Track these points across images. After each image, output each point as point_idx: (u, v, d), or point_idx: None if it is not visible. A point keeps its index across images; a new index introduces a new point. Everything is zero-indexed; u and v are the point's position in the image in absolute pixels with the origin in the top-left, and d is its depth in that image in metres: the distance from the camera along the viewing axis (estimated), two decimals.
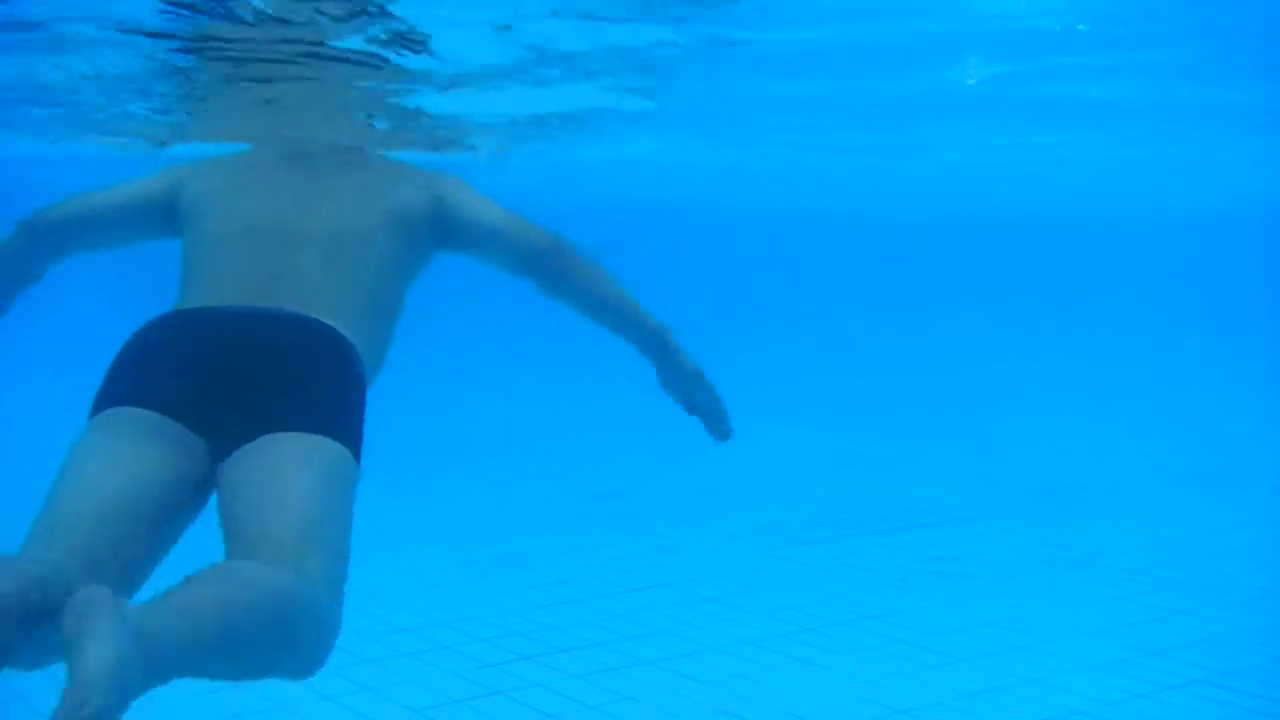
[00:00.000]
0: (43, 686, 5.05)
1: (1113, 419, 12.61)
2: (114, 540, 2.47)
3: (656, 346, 3.36)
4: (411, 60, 5.75)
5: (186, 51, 5.50)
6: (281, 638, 2.43)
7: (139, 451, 2.59)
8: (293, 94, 6.05)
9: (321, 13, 4.75)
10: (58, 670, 5.27)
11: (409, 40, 5.41)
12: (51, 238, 3.33)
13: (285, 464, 2.61)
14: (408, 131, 7.26)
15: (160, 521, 2.59)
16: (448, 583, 6.56)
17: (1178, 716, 4.76)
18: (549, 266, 3.30)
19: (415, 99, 6.62)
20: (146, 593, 2.33)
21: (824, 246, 32.10)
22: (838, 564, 6.97)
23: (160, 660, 2.22)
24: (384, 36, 5.30)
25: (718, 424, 3.53)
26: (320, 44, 5.26)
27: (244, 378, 2.70)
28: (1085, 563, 6.96)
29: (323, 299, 2.92)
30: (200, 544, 2.73)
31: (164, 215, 3.23)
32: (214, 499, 2.71)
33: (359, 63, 5.66)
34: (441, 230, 3.24)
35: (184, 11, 4.83)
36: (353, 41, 5.32)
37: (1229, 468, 9.86)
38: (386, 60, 5.71)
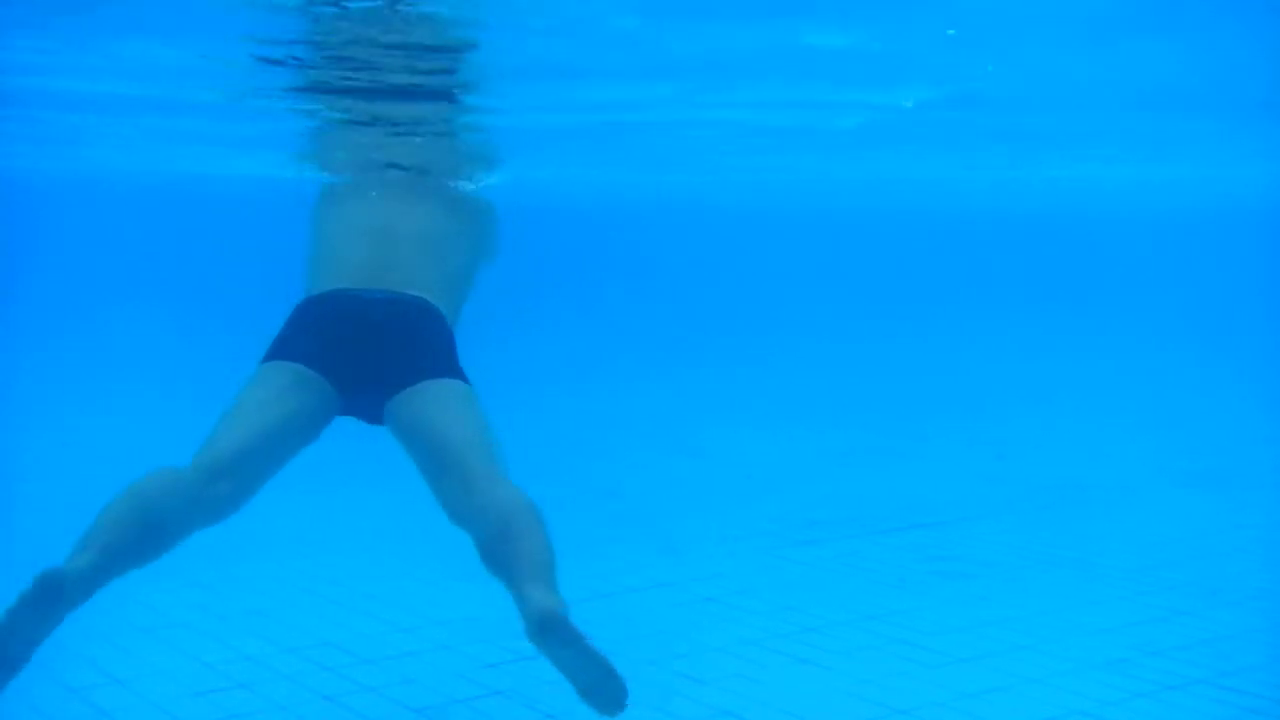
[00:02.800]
0: (44, 687, 5.06)
1: (1113, 419, 12.61)
2: (255, 452, 3.70)
3: None
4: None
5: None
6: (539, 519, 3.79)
7: (284, 393, 3.84)
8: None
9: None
10: (58, 673, 5.28)
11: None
12: None
13: (455, 404, 3.96)
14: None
15: (288, 441, 3.81)
16: (448, 583, 6.55)
17: (1178, 716, 4.76)
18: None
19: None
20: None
21: (825, 245, 32.09)
22: (838, 564, 6.96)
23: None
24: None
25: None
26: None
27: (371, 343, 3.95)
28: (1085, 563, 6.96)
29: (420, 282, 4.18)
30: None
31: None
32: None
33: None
34: (486, 240, 4.72)
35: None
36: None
37: (1229, 468, 9.86)
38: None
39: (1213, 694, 4.96)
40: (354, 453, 10.15)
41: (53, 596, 3.18)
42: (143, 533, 3.47)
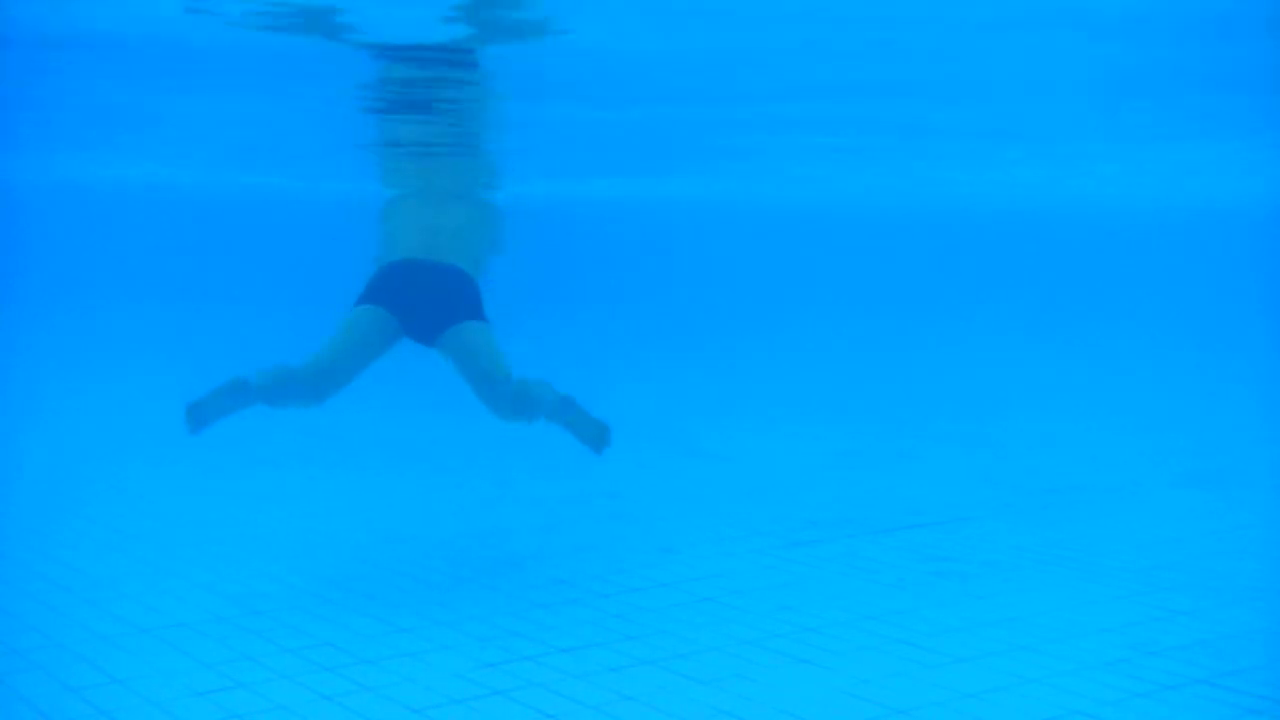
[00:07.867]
0: (44, 687, 5.06)
1: (1113, 419, 12.61)
2: (353, 361, 6.09)
3: None
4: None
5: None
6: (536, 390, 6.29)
7: (370, 326, 6.16)
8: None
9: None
10: (58, 674, 5.28)
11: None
12: None
13: (479, 337, 6.23)
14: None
15: (372, 356, 6.19)
16: (448, 583, 6.56)
17: (1178, 716, 4.76)
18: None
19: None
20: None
21: (824, 245, 32.10)
22: (838, 564, 6.97)
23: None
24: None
25: None
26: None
27: (428, 294, 6.27)
28: (1085, 563, 6.96)
29: (457, 256, 6.50)
30: None
31: None
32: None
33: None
34: (496, 230, 7.04)
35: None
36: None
37: (1229, 468, 9.86)
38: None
39: (1212, 694, 4.97)
40: (353, 453, 10.16)
41: (237, 390, 5.81)
42: (283, 387, 5.81)
